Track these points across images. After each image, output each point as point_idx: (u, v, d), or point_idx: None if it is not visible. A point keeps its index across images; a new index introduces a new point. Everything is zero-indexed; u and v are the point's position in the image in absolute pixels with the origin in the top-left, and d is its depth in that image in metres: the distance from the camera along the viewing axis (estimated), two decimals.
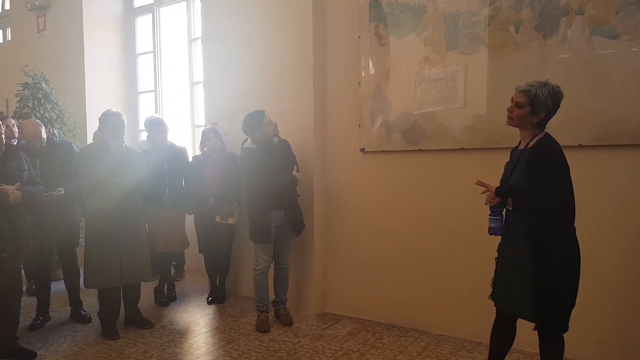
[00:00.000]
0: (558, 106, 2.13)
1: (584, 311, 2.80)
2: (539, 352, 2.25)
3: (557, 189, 2.03)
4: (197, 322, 3.72)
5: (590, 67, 2.77)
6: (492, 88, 3.07)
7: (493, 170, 2.48)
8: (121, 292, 3.47)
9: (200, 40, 4.67)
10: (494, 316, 2.77)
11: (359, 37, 3.59)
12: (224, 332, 3.45)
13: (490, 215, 2.22)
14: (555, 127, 2.71)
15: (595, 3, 2.75)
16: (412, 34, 3.35)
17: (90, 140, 4.94)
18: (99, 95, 5.61)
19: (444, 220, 3.31)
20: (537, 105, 2.09)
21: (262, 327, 3.45)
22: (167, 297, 4.18)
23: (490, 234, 2.24)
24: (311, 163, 3.76)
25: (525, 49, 2.95)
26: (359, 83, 3.61)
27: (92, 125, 5.36)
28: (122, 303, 3.50)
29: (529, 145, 2.14)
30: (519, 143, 2.28)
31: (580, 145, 2.80)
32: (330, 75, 3.77)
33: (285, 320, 3.58)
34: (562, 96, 2.13)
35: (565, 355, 2.61)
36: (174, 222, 4.02)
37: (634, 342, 2.74)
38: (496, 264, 2.33)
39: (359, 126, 3.63)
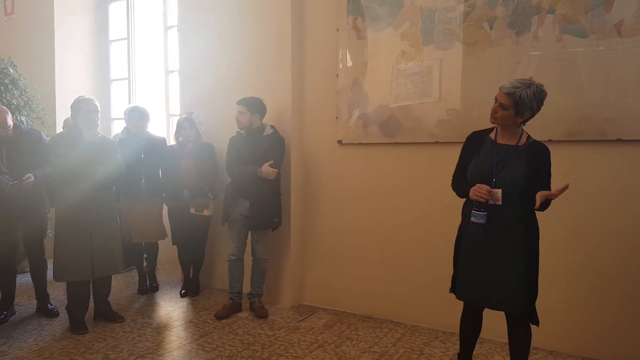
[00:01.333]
0: (542, 105, 2.16)
1: (554, 302, 2.91)
2: (508, 341, 2.32)
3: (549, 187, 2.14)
4: (170, 315, 3.67)
5: (560, 64, 2.86)
6: (466, 83, 3.13)
7: None
8: (91, 285, 3.38)
9: (175, 28, 4.58)
10: None
11: (337, 30, 3.59)
12: (197, 326, 3.41)
13: (475, 210, 2.15)
14: (527, 122, 2.79)
15: (566, 2, 2.83)
16: (389, 28, 3.38)
17: (59, 128, 4.79)
18: (70, 83, 5.45)
19: (419, 213, 3.36)
20: (521, 107, 2.10)
21: (219, 313, 3.55)
22: (149, 287, 4.17)
23: (474, 230, 2.17)
24: (288, 155, 3.74)
25: (499, 46, 3.02)
26: (337, 75, 3.62)
27: (61, 113, 5.21)
28: (91, 296, 3.42)
29: (520, 144, 2.18)
30: (494, 133, 2.27)
31: (550, 140, 2.88)
32: (308, 67, 3.77)
33: (259, 313, 3.56)
34: (545, 95, 2.14)
35: (533, 345, 2.70)
36: (150, 212, 3.97)
37: (600, 332, 2.84)
38: (463, 259, 2.30)
39: (337, 118, 3.64)
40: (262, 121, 3.56)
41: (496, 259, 2.18)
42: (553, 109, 2.87)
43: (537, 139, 2.35)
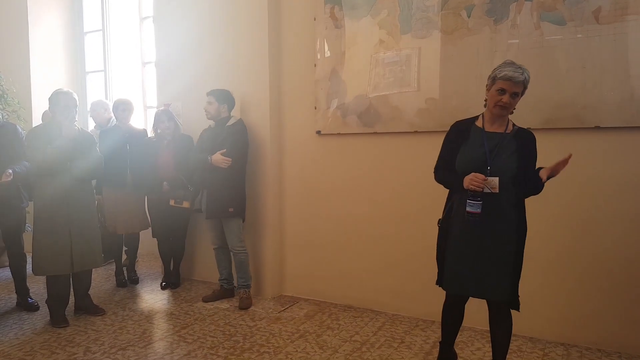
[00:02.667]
0: None
1: (534, 289, 2.94)
2: (490, 329, 2.33)
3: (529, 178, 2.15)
4: (151, 307, 3.66)
5: (539, 52, 2.85)
6: (444, 72, 3.11)
7: None
8: (71, 279, 3.36)
9: (151, 19, 4.50)
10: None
11: (315, 19, 3.55)
12: (178, 317, 3.40)
13: (470, 199, 2.11)
14: None
15: None
16: (367, 16, 3.34)
17: (36, 121, 4.70)
18: (45, 75, 5.35)
19: (398, 202, 3.36)
20: (525, 90, 2.13)
21: (205, 296, 3.73)
22: (128, 279, 4.15)
23: (469, 219, 2.13)
24: (266, 145, 3.72)
25: (477, 34, 3.00)
26: (315, 65, 3.58)
27: (37, 106, 5.12)
28: (71, 290, 3.39)
29: (508, 131, 2.18)
30: (480, 121, 2.24)
31: (528, 128, 2.87)
32: (285, 57, 3.72)
33: (240, 304, 3.56)
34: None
35: (513, 331, 2.73)
36: (134, 203, 3.98)
37: (579, 319, 2.89)
38: (451, 250, 2.26)
39: (315, 109, 3.61)
40: (232, 113, 3.59)
41: (487, 248, 2.16)
42: (531, 97, 2.84)
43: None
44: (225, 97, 3.54)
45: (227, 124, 3.54)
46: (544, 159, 2.90)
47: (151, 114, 4.15)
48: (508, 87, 2.08)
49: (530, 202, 2.76)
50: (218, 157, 3.42)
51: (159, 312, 3.55)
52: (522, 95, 2.14)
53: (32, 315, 3.46)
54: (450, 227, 2.26)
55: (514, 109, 2.18)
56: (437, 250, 2.35)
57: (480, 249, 2.17)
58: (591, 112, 2.75)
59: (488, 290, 2.19)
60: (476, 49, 3.00)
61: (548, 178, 2.12)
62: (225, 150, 3.43)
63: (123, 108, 4.00)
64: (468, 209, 2.11)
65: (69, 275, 3.31)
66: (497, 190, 2.11)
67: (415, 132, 3.24)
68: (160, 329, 3.23)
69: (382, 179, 3.41)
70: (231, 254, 3.65)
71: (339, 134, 3.54)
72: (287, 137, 3.79)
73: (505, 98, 2.10)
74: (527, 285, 2.89)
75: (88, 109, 5.57)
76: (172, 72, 4.15)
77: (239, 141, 3.51)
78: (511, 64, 2.11)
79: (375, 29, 3.31)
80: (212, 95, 3.53)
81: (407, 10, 3.20)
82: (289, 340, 3.00)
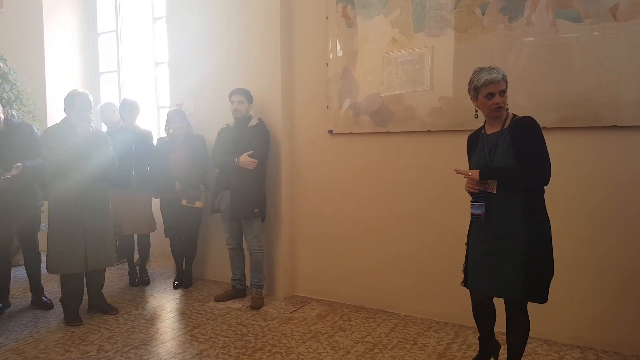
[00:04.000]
0: None
1: (551, 291, 2.89)
2: (506, 330, 2.30)
3: (544, 156, 2.11)
4: (163, 307, 3.67)
5: (554, 50, 2.80)
6: (458, 70, 3.07)
7: (459, 152, 2.50)
8: (84, 278, 3.38)
9: (163, 20, 4.53)
10: (460, 297, 2.83)
11: (327, 18, 3.54)
12: (190, 317, 3.41)
13: (472, 201, 2.19)
14: (521, 109, 2.75)
15: None
16: (379, 15, 3.32)
17: (51, 122, 4.75)
18: (60, 76, 5.41)
19: (411, 202, 3.33)
20: (507, 83, 2.20)
21: (218, 296, 3.74)
22: (139, 280, 4.17)
23: (473, 220, 2.21)
24: (279, 145, 3.72)
25: (491, 32, 2.96)
26: (327, 65, 3.57)
27: (52, 107, 5.18)
28: (85, 289, 3.42)
29: (506, 126, 2.20)
30: (483, 128, 2.31)
31: (544, 128, 2.83)
32: (297, 56, 3.72)
33: (253, 304, 3.56)
34: None
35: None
36: (140, 204, 4.00)
37: (593, 321, 2.83)
38: (470, 250, 2.31)
39: (327, 108, 3.60)
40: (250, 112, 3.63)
41: (495, 248, 2.17)
42: (547, 96, 2.83)
43: None
44: (250, 97, 3.58)
45: (250, 125, 3.57)
46: (561, 158, 2.86)
47: (164, 114, 4.17)
48: (494, 89, 2.16)
49: (547, 202, 2.73)
50: (246, 159, 3.45)
51: (171, 311, 3.56)
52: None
53: (46, 314, 3.49)
54: (471, 227, 2.33)
55: (507, 104, 2.24)
56: (466, 249, 2.39)
57: (490, 249, 2.19)
58: (608, 111, 2.70)
59: (501, 289, 2.19)
60: (490, 48, 2.96)
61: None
62: (252, 151, 3.45)
63: (129, 109, 4.03)
64: (471, 211, 2.20)
65: (82, 274, 3.33)
66: (494, 191, 2.15)
67: (429, 131, 3.21)
68: (173, 328, 3.23)
69: (395, 179, 3.38)
70: (247, 253, 3.67)
71: (351, 133, 3.52)
72: (299, 137, 3.78)
73: (497, 99, 2.17)
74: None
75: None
76: (185, 72, 4.17)
77: (264, 143, 3.56)
78: (481, 69, 2.19)
79: (388, 27, 3.28)
80: (242, 95, 3.54)
81: (420, 8, 3.17)
82: (301, 341, 2.99)
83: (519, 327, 2.24)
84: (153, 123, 5.24)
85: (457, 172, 2.25)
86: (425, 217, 3.26)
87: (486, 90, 2.16)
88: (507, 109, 2.24)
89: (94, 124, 3.36)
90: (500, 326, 2.51)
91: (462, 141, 2.59)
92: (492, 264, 2.19)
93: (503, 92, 2.17)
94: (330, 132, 3.61)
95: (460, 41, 3.06)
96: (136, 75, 5.59)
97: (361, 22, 3.40)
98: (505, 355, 2.34)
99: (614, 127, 2.70)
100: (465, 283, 2.38)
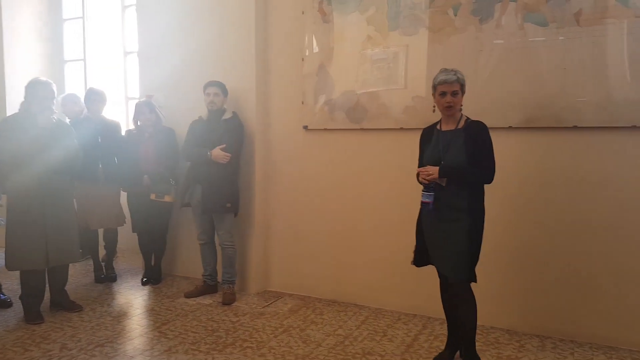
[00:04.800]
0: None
1: (511, 284, 3.01)
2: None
3: (492, 159, 2.37)
4: (131, 303, 3.58)
5: (522, 52, 2.91)
6: (431, 70, 3.12)
7: None
8: (46, 275, 3.26)
9: (134, 8, 4.41)
10: (428, 290, 2.91)
11: (303, 13, 3.54)
12: (159, 314, 3.35)
13: (424, 191, 2.42)
14: (487, 109, 2.86)
15: None
16: (355, 12, 3.35)
17: (10, 111, 4.54)
18: (20, 63, 5.16)
19: (383, 198, 3.39)
20: (464, 86, 2.38)
21: (188, 292, 3.67)
22: (105, 276, 4.06)
23: (423, 207, 2.44)
24: (253, 140, 3.69)
25: (463, 33, 3.05)
26: (303, 60, 3.57)
27: (10, 95, 4.94)
28: (47, 286, 3.30)
29: (460, 126, 2.38)
30: (439, 125, 2.48)
31: (510, 127, 2.95)
32: (273, 50, 3.71)
33: (224, 300, 3.53)
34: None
35: (491, 324, 2.78)
36: (108, 198, 3.89)
37: (551, 310, 2.97)
38: (423, 236, 2.52)
39: (302, 103, 3.61)
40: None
41: (447, 235, 2.38)
42: (514, 96, 2.94)
43: (498, 126, 2.46)
44: (225, 90, 3.53)
45: (223, 118, 3.52)
46: (526, 157, 3.00)
47: (133, 106, 4.06)
48: (447, 89, 2.35)
49: (505, 199, 2.85)
50: (218, 153, 3.40)
51: (139, 308, 3.48)
52: (463, 93, 2.37)
53: (4, 312, 3.34)
54: (421, 215, 2.55)
55: (462, 105, 2.40)
56: (416, 233, 2.61)
57: (436, 238, 2.43)
58: (570, 112, 2.83)
59: (448, 270, 2.40)
60: (462, 48, 3.05)
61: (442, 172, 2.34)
62: (225, 145, 3.41)
63: (94, 98, 3.89)
64: (422, 199, 2.43)
65: (44, 270, 3.21)
66: (444, 184, 2.36)
67: (402, 129, 3.27)
68: (140, 325, 3.16)
69: (368, 175, 3.43)
70: (219, 249, 3.63)
71: (326, 129, 3.54)
72: (273, 132, 3.77)
73: (448, 98, 2.35)
74: (503, 280, 2.98)
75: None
76: (155, 63, 4.07)
77: (238, 137, 3.52)
78: (444, 70, 2.38)
79: (364, 24, 3.32)
80: (217, 87, 3.49)
81: (395, 7, 3.22)
82: (273, 335, 2.99)
83: (463, 303, 2.40)
84: (121, 114, 5.09)
85: (420, 171, 2.43)
86: (397, 212, 3.32)
87: (440, 88, 2.36)
88: (461, 109, 2.41)
89: (56, 114, 3.24)
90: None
91: None
92: (439, 247, 2.42)
93: (455, 93, 2.34)
94: (305, 127, 3.62)
95: (434, 41, 3.13)
96: (104, 65, 5.42)
97: (337, 18, 3.42)
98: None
99: (575, 128, 2.83)
100: (415, 262, 2.58)
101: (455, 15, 3.06)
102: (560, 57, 2.82)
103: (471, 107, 2.57)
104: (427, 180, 2.37)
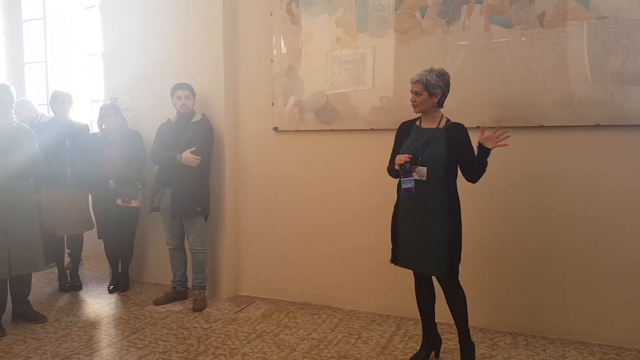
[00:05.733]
0: (449, 84, 2.46)
1: (484, 281, 3.05)
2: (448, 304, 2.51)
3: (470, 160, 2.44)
4: (97, 312, 3.48)
5: (487, 53, 2.96)
6: (398, 71, 3.17)
7: None
8: (7, 285, 3.15)
9: (97, 9, 4.29)
10: (402, 291, 2.93)
11: (271, 14, 3.51)
12: (128, 322, 3.26)
13: (402, 177, 2.42)
14: (456, 109, 2.89)
15: None
16: (324, 13, 3.35)
17: None
18: None
19: (354, 199, 3.39)
20: (430, 88, 2.40)
21: (157, 299, 3.59)
22: (70, 284, 3.93)
23: (406, 195, 2.42)
24: (222, 142, 3.64)
25: (430, 34, 3.08)
26: (272, 61, 3.54)
27: None
28: (9, 296, 3.19)
29: (441, 126, 2.45)
30: (419, 121, 2.54)
31: (478, 127, 2.98)
32: (241, 51, 3.67)
33: (195, 306, 3.46)
34: (449, 76, 2.45)
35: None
36: (76, 202, 3.78)
37: (523, 308, 3.02)
38: (400, 233, 2.51)
39: (272, 105, 3.58)
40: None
41: (424, 228, 2.42)
42: (481, 96, 2.98)
43: (467, 125, 2.50)
44: (194, 91, 3.48)
45: (192, 120, 3.47)
46: (494, 155, 3.03)
47: (97, 108, 3.95)
48: (411, 88, 2.45)
49: (475, 197, 2.89)
50: (188, 156, 3.34)
51: (106, 317, 3.38)
52: (432, 95, 2.41)
53: None
54: (398, 211, 2.55)
55: (437, 106, 2.46)
56: (391, 231, 2.60)
57: (418, 229, 2.44)
58: (536, 112, 2.89)
59: (428, 265, 2.45)
60: (429, 49, 3.08)
61: (484, 149, 2.40)
62: (195, 148, 3.36)
63: (62, 100, 3.79)
64: (403, 186, 2.43)
65: (5, 280, 3.11)
66: (425, 178, 2.39)
67: (372, 129, 3.28)
68: (108, 335, 3.07)
69: (339, 176, 3.42)
70: (189, 254, 3.57)
71: (296, 130, 3.52)
72: (243, 133, 3.72)
73: (412, 96, 2.45)
74: (476, 278, 3.02)
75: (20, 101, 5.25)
76: (120, 65, 3.97)
77: (207, 140, 3.48)
78: (424, 70, 2.43)
79: (332, 26, 3.32)
80: (188, 90, 3.45)
81: (363, 9, 3.23)
82: (246, 341, 2.94)
83: (456, 295, 2.47)
84: (85, 118, 4.94)
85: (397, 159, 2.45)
86: (368, 212, 3.33)
87: (410, 87, 2.46)
88: (436, 109, 2.46)
89: (16, 118, 3.13)
90: (441, 317, 2.63)
91: None
92: (421, 243, 2.43)
93: (417, 93, 2.42)
94: (276, 129, 3.59)
95: (401, 42, 3.15)
96: (66, 67, 5.25)
97: (305, 20, 3.41)
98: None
99: (541, 127, 2.89)
100: (393, 261, 2.57)
101: (423, 17, 3.09)
102: (525, 57, 2.88)
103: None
104: (401, 164, 2.39)
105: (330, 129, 3.41)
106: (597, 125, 2.78)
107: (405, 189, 2.41)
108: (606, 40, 2.71)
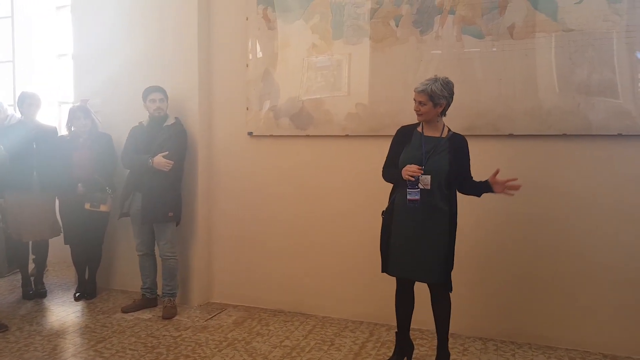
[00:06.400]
0: (453, 94, 2.46)
1: (454, 288, 3.08)
2: (432, 308, 2.54)
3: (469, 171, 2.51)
4: (63, 320, 3.36)
5: (459, 63, 3.02)
6: (373, 78, 3.20)
7: (376, 156, 2.64)
8: None
9: (68, 9, 4.19)
10: (375, 297, 2.93)
11: (247, 19, 3.50)
12: (94, 331, 3.16)
13: (409, 189, 2.40)
14: None
15: (465, 4, 2.99)
16: (300, 20, 3.36)
17: None
18: None
19: (328, 205, 3.38)
20: (435, 98, 2.39)
21: (125, 307, 3.51)
22: (34, 292, 3.79)
23: (410, 206, 2.40)
24: (196, 146, 3.59)
25: (404, 43, 3.12)
26: (247, 65, 3.53)
27: None
28: None
29: (443, 135, 2.47)
30: (420, 127, 2.53)
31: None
32: (216, 55, 3.64)
33: (164, 314, 3.39)
34: (453, 85, 2.45)
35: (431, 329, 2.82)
36: (42, 207, 3.66)
37: (493, 313, 3.07)
38: (394, 240, 2.49)
39: (247, 110, 3.56)
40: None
41: (424, 236, 2.42)
42: (453, 105, 2.97)
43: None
44: (167, 94, 3.43)
45: (165, 124, 3.42)
46: None
47: (66, 110, 3.85)
48: (415, 97, 2.44)
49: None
50: (161, 160, 3.28)
51: (72, 325, 3.27)
52: (436, 105, 2.41)
53: None
54: (394, 216, 2.50)
55: (440, 115, 2.46)
56: (381, 239, 2.55)
57: (415, 237, 2.43)
58: (506, 121, 2.96)
59: (423, 273, 2.45)
60: (403, 58, 3.12)
61: (489, 188, 2.46)
62: (167, 152, 3.30)
63: (29, 102, 3.69)
64: (408, 197, 2.40)
65: None
66: (429, 187, 2.39)
67: (347, 135, 3.30)
68: (73, 344, 2.97)
69: (313, 182, 3.42)
70: (160, 260, 3.49)
71: (271, 135, 3.51)
72: (217, 138, 3.68)
73: (415, 106, 2.45)
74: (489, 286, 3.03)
75: None
76: (92, 66, 3.88)
77: (181, 144, 3.43)
78: (428, 79, 2.43)
79: (308, 32, 3.33)
80: (162, 93, 3.40)
81: (339, 16, 3.26)
82: (217, 350, 2.89)
83: (443, 304, 2.50)
84: (53, 120, 4.81)
85: (407, 169, 2.41)
86: (342, 219, 3.33)
87: (413, 96, 2.46)
88: (439, 119, 2.47)
89: None
90: (413, 323, 2.63)
91: (379, 146, 2.69)
92: (420, 251, 2.42)
93: (421, 103, 2.41)
94: (250, 134, 3.57)
95: (376, 50, 3.19)
96: (34, 67, 5.11)
97: (281, 26, 3.41)
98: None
99: (511, 136, 2.96)
100: (385, 269, 2.54)
101: (397, 26, 3.13)
102: (495, 68, 2.95)
103: (413, 115, 2.61)
104: (411, 174, 2.36)
105: (305, 134, 3.41)
106: (564, 135, 2.86)
107: (410, 200, 2.39)
108: (573, 52, 2.80)
